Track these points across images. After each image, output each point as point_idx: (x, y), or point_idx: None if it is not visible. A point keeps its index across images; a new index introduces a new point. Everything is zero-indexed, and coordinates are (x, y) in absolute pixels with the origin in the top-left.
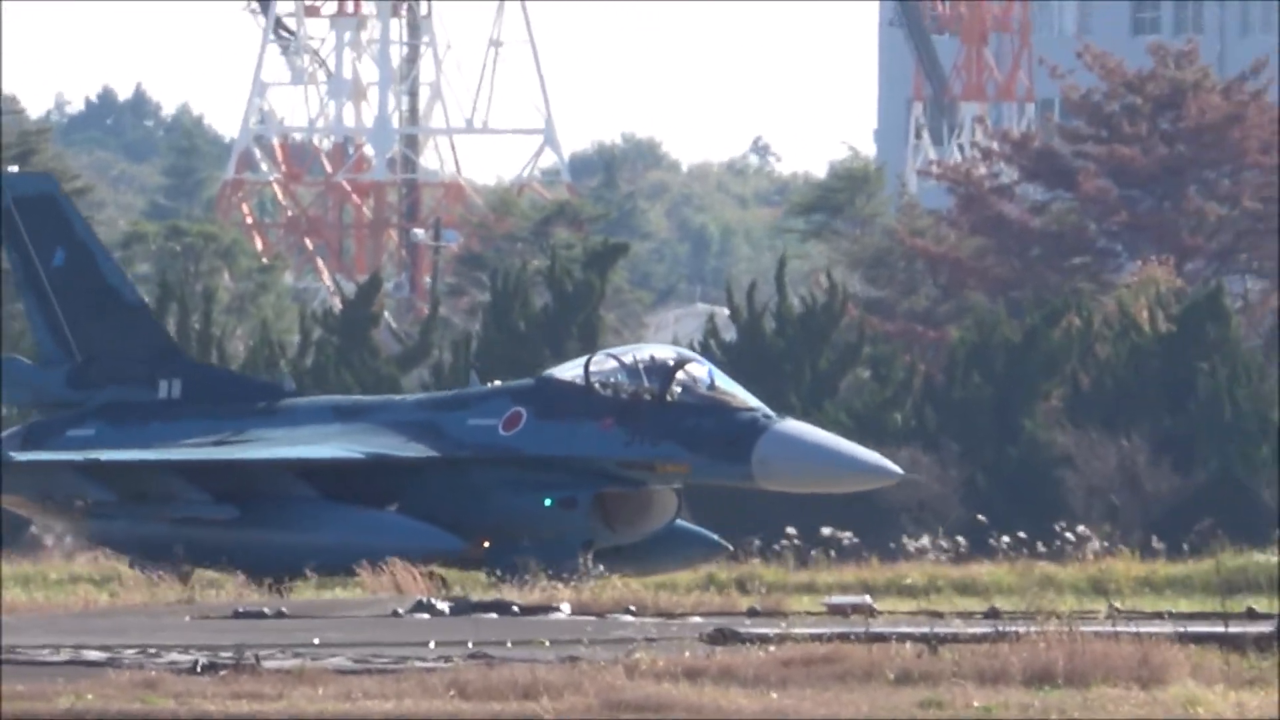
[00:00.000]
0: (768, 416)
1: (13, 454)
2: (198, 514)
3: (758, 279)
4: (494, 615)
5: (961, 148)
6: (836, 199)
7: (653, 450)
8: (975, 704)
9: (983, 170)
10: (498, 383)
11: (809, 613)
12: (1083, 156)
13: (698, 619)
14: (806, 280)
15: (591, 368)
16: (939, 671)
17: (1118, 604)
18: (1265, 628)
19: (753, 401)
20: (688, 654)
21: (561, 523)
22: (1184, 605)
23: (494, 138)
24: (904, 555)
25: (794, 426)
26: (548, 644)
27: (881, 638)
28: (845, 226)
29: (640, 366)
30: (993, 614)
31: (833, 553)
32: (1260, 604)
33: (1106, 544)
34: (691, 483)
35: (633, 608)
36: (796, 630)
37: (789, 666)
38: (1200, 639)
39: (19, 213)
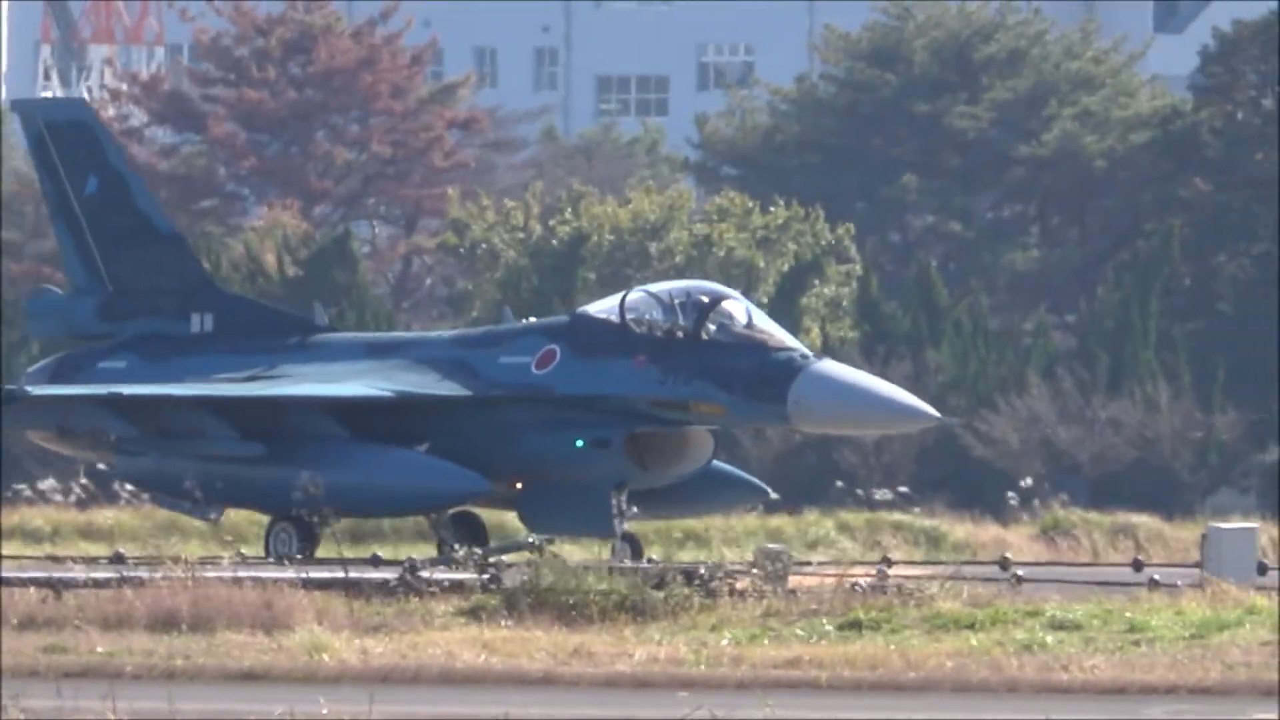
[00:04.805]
0: (804, 356)
1: (29, 388)
2: (222, 451)
3: None
4: None
5: (90, 90)
6: None
7: (687, 389)
8: (100, 649)
9: (111, 112)
10: (531, 320)
11: None
12: (212, 100)
13: None
14: None
15: (626, 304)
16: (63, 616)
17: (244, 551)
18: (388, 574)
19: (790, 340)
20: None
21: (594, 463)
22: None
23: None
24: (25, 500)
25: (830, 367)
26: None
27: (6, 582)
28: None
29: (676, 303)
30: (117, 559)
31: None
32: (386, 551)
33: None
34: (727, 424)
35: None
36: None
37: None
38: (325, 585)
39: (52, 139)
